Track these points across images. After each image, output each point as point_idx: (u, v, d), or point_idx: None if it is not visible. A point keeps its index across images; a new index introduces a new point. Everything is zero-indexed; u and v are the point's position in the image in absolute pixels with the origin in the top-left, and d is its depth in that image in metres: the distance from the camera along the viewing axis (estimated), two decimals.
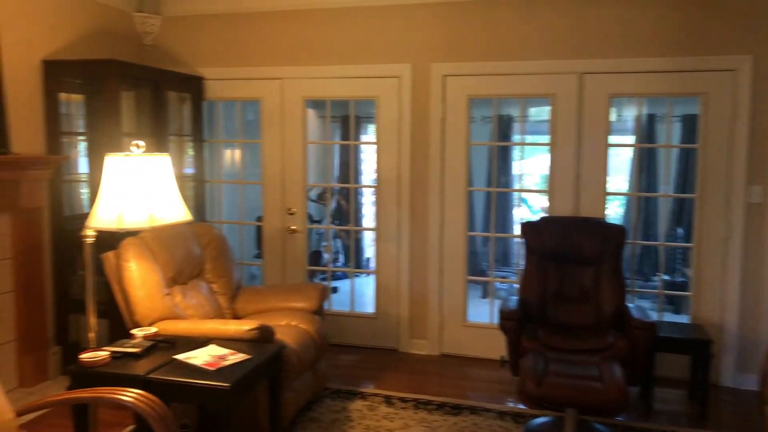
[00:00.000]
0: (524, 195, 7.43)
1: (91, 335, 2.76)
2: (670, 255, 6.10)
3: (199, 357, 2.61)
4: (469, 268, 4.52)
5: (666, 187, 5.60)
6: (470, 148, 4.45)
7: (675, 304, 5.58)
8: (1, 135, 3.51)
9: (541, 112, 5.42)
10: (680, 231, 6.13)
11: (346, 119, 6.34)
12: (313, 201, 6.25)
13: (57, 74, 3.96)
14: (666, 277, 6.01)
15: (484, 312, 4.60)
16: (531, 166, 6.96)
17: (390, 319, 4.61)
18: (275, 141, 4.76)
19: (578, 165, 4.18)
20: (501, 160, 6.70)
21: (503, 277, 6.17)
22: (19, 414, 2.12)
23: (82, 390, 2.21)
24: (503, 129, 6.61)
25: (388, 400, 3.64)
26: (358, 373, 4.13)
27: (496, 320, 4.24)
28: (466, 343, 4.48)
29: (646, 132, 6.35)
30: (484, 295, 5.85)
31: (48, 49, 3.97)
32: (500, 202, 6.79)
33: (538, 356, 3.15)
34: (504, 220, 6.84)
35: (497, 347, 4.13)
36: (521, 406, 3.54)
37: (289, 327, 3.35)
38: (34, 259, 3.80)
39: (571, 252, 3.72)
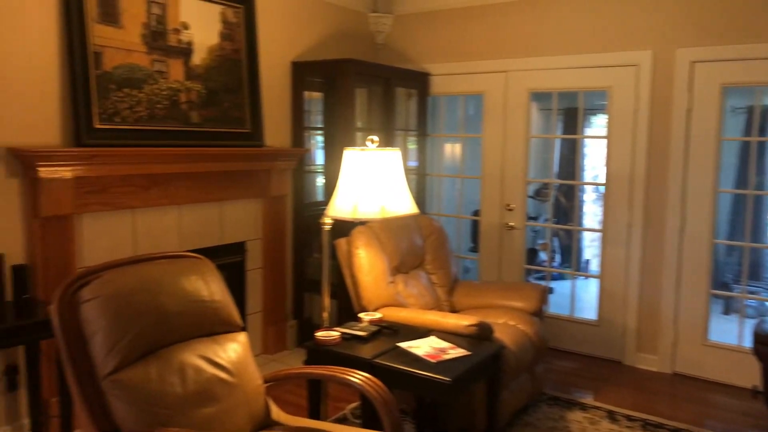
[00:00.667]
0: None
1: (325, 315, 2.98)
2: None
3: (420, 347, 2.66)
4: (711, 280, 3.98)
5: None
6: (721, 143, 3.90)
7: None
8: (257, 130, 3.97)
9: None
10: None
11: (570, 112, 6.00)
12: (530, 197, 6.06)
13: (302, 74, 4.36)
14: None
15: (728, 331, 4.03)
16: None
17: (614, 328, 4.26)
18: (496, 135, 4.69)
19: None
20: (757, 158, 5.78)
21: (752, 293, 5.34)
22: (265, 381, 2.37)
23: (319, 366, 2.39)
24: (762, 121, 5.69)
25: (612, 416, 3.37)
26: (576, 382, 3.90)
27: (745, 342, 3.70)
28: (706, 364, 3.95)
29: None
30: (727, 311, 5.14)
31: (296, 52, 4.39)
32: (748, 207, 5.88)
33: None
34: (756, 227, 5.91)
35: (747, 374, 3.59)
36: None
37: (507, 326, 3.28)
38: (279, 241, 4.25)
39: None
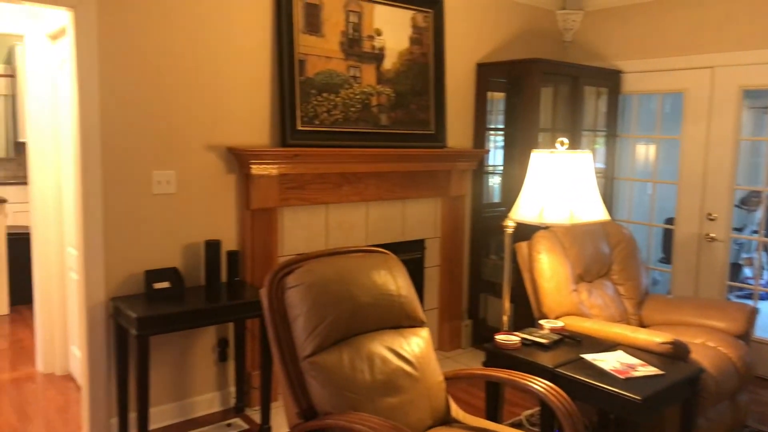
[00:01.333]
0: None
1: (505, 318, 2.97)
2: None
3: (606, 361, 2.54)
4: None
5: None
6: None
7: None
8: (441, 131, 4.06)
9: None
10: None
11: None
12: (735, 206, 5.43)
13: (486, 75, 4.36)
14: None
15: None
16: None
17: None
18: (698, 137, 4.28)
19: None
20: None
21: None
22: (446, 378, 2.42)
23: (499, 370, 2.39)
24: None
25: None
26: None
27: None
28: None
29: None
30: None
31: (481, 53, 4.40)
32: None
33: None
34: None
35: None
36: None
37: (706, 348, 2.99)
38: (457, 241, 4.31)
39: None
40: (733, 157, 4.12)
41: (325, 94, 3.48)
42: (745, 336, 3.19)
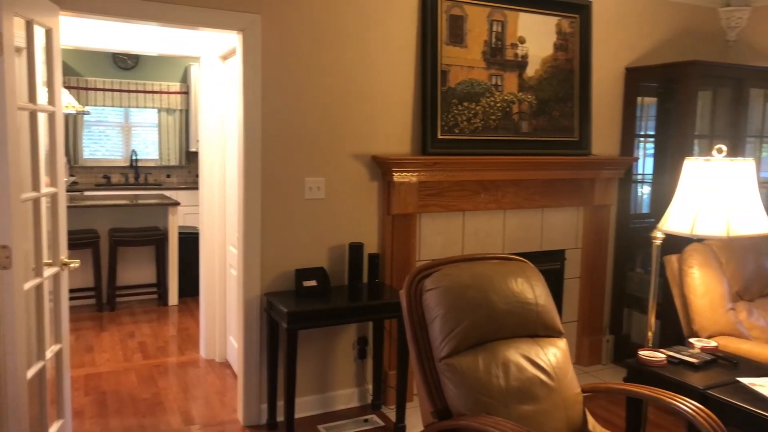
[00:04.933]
0: None
1: (650, 334, 2.83)
2: None
3: (767, 386, 2.33)
4: None
5: None
6: None
7: None
8: (585, 138, 3.95)
9: None
10: None
11: None
12: None
13: (636, 80, 4.16)
14: None
15: None
16: None
17: None
18: None
19: None
20: None
21: None
22: (584, 391, 2.37)
23: (643, 386, 2.29)
24: None
25: None
26: None
27: None
28: None
29: None
30: None
31: (631, 57, 4.21)
32: None
33: None
34: None
35: None
36: None
37: None
38: (599, 252, 4.15)
39: None
40: None
41: (465, 103, 3.54)
42: None
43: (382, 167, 3.42)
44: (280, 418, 3.28)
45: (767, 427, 2.13)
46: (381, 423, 3.34)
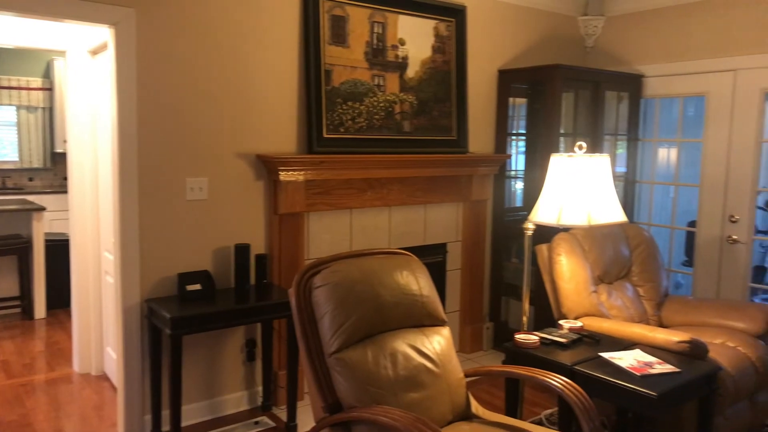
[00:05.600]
0: None
1: (525, 319, 3.04)
2: None
3: (624, 359, 2.59)
4: None
5: None
6: None
7: None
8: (462, 137, 4.15)
9: None
10: None
11: None
12: (760, 208, 5.40)
13: (508, 81, 4.44)
14: None
15: None
16: None
17: None
18: (720, 139, 4.29)
19: None
20: None
21: None
22: (466, 375, 2.51)
23: (519, 367, 2.47)
24: None
25: None
26: None
27: None
28: None
29: None
30: None
31: (502, 60, 4.49)
32: None
33: None
34: None
35: None
36: None
37: (725, 347, 3.02)
38: (478, 244, 4.38)
39: None
40: (756, 160, 4.13)
41: (350, 103, 3.60)
42: (764, 336, 3.21)
43: (267, 166, 3.39)
44: (166, 428, 3.16)
45: (625, 395, 2.38)
46: (272, 424, 3.32)
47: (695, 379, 2.49)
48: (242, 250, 3.24)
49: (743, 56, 4.14)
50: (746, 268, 4.21)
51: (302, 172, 3.38)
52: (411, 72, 3.89)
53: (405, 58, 3.86)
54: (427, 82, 3.97)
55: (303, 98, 3.50)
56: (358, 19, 3.62)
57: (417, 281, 2.50)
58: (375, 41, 3.70)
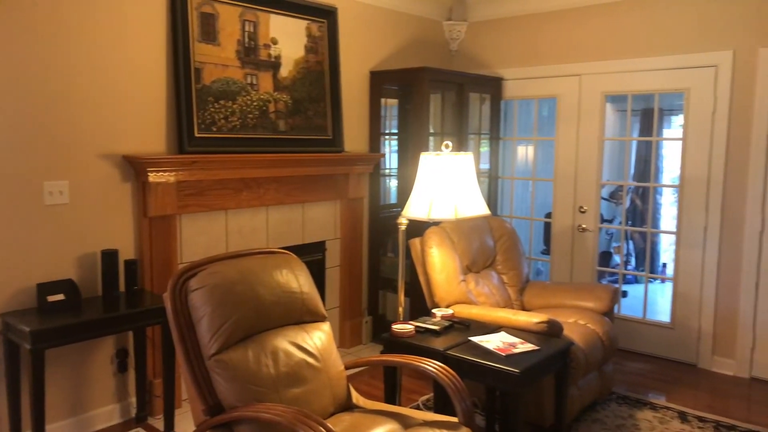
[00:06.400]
0: None
1: (400, 310, 3.18)
2: None
3: (491, 341, 2.81)
4: None
5: None
6: None
7: None
8: (338, 136, 4.23)
9: None
10: None
11: (647, 112, 5.94)
12: (605, 199, 6.03)
13: (379, 82, 4.58)
14: None
15: None
16: None
17: (689, 332, 4.23)
18: (570, 138, 4.74)
19: None
20: None
21: None
22: (346, 367, 2.59)
23: (396, 355, 2.59)
24: None
25: (683, 416, 3.39)
26: (647, 383, 3.91)
27: None
28: None
29: None
30: None
31: (374, 62, 4.62)
32: None
33: None
34: None
35: None
36: None
37: (577, 325, 3.36)
38: (356, 241, 4.49)
39: None
40: (599, 156, 4.60)
41: (222, 101, 3.54)
42: (609, 314, 3.61)
43: (135, 168, 3.25)
44: None
45: (492, 374, 2.59)
46: None
47: (552, 355, 2.75)
48: (109, 256, 3.09)
49: (586, 62, 4.60)
50: (594, 253, 4.69)
51: (173, 173, 3.28)
52: (285, 71, 3.90)
53: (278, 58, 3.86)
54: (301, 81, 4.00)
55: (172, 97, 3.40)
56: (229, 17, 3.57)
57: (297, 279, 2.53)
58: (247, 40, 3.67)
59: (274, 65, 3.84)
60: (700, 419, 3.36)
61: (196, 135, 3.42)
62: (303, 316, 2.51)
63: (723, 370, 4.09)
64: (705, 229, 4.13)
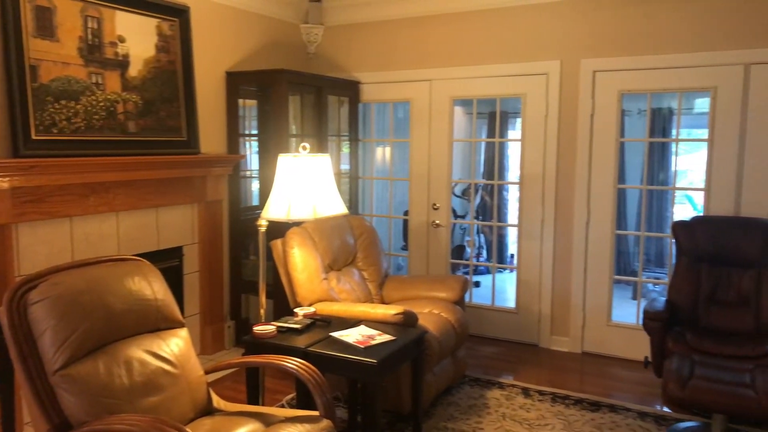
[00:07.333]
0: (689, 193, 6.99)
1: (262, 311, 3.19)
2: None
3: (351, 335, 2.92)
4: (619, 267, 4.45)
5: None
6: (621, 144, 4.37)
7: None
8: (193, 138, 4.13)
9: (706, 104, 5.10)
10: None
11: (494, 115, 6.41)
12: (457, 196, 6.43)
13: (237, 83, 4.53)
14: None
15: (631, 313, 4.49)
16: (695, 162, 6.56)
17: (531, 315, 4.67)
18: (422, 139, 5.01)
19: (741, 162, 3.93)
20: (659, 156, 6.38)
21: (656, 278, 5.89)
22: (206, 372, 2.56)
23: (256, 356, 2.61)
24: (662, 123, 6.29)
25: (526, 392, 3.74)
26: (497, 365, 4.26)
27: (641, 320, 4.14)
28: (610, 342, 4.41)
29: None
30: (635, 296, 5.65)
31: (230, 62, 4.56)
32: (657, 201, 6.47)
33: (684, 359, 3.07)
34: (661, 219, 6.51)
35: (643, 349, 4.02)
36: (666, 410, 3.46)
37: (432, 315, 3.58)
38: (215, 245, 4.41)
39: (728, 254, 3.53)
40: (449, 156, 4.92)
41: (63, 102, 3.32)
42: (461, 302, 3.89)
43: None
44: None
45: (352, 366, 2.70)
46: None
47: (408, 344, 2.92)
48: None
49: (436, 68, 4.89)
50: (447, 247, 5.00)
51: (7, 179, 3.02)
52: (134, 71, 3.74)
53: (126, 56, 3.69)
54: (152, 81, 3.86)
55: (3, 96, 3.13)
56: (68, 12, 3.35)
57: (150, 286, 2.47)
58: (90, 37, 3.47)
59: (122, 64, 3.67)
60: (540, 393, 3.73)
61: (34, 137, 3.18)
62: (158, 323, 2.45)
63: (560, 348, 4.56)
64: (542, 222, 4.57)
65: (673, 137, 6.15)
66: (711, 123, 4.03)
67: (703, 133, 4.25)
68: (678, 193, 6.73)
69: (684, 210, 6.84)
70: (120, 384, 2.19)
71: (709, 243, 3.58)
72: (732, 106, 3.94)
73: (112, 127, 3.60)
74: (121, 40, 3.66)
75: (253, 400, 2.87)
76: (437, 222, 4.98)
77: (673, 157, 5.18)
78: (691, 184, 7.07)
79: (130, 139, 3.70)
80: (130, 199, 3.71)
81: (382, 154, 5.99)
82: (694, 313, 3.52)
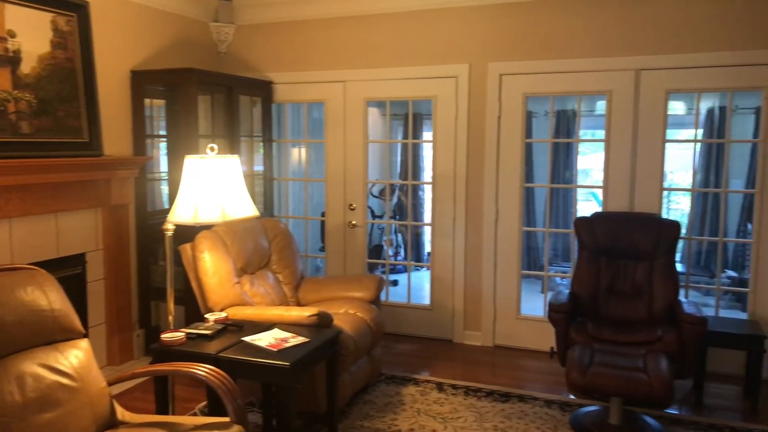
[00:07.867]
0: (594, 190, 7.38)
1: (170, 318, 3.09)
2: (740, 252, 5.94)
3: (263, 339, 2.88)
4: (528, 262, 4.64)
5: (738, 183, 5.48)
6: (526, 145, 4.56)
7: (743, 302, 5.45)
8: (96, 139, 3.93)
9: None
10: (750, 227, 5.95)
11: (409, 117, 6.51)
12: (374, 197, 6.49)
13: (143, 82, 4.36)
14: (733, 274, 5.87)
15: (540, 306, 4.70)
16: (597, 161, 6.93)
17: (445, 311, 4.78)
18: (338, 140, 5.02)
19: (634, 161, 4.21)
20: (564, 156, 6.70)
21: (564, 272, 6.19)
22: (110, 384, 2.45)
23: (163, 364, 2.53)
24: (566, 124, 6.61)
25: (440, 387, 3.83)
26: (412, 362, 4.34)
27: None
28: (519, 335, 4.60)
29: (717, 126, 6.18)
30: (543, 290, 5.91)
31: (136, 60, 4.38)
32: (563, 198, 6.80)
33: (585, 347, 3.25)
34: (567, 216, 6.85)
35: (550, 340, 4.21)
36: (570, 396, 3.64)
37: (347, 315, 3.60)
38: (122, 251, 4.22)
39: (624, 247, 3.77)
40: (364, 157, 4.95)
41: None
42: (377, 301, 3.93)
43: None
44: None
45: (265, 370, 2.66)
46: None
47: (322, 345, 2.92)
48: None
49: (350, 69, 4.91)
50: (364, 247, 5.03)
51: None
52: (27, 68, 3.51)
53: (18, 52, 3.46)
54: (48, 79, 3.64)
55: None
56: None
57: (46, 296, 2.33)
58: None
59: (12, 60, 3.44)
60: (454, 387, 3.83)
61: None
62: (55, 334, 2.33)
63: (473, 342, 4.70)
64: (454, 220, 4.70)
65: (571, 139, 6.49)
66: (607, 125, 4.29)
67: (600, 135, 4.52)
68: (585, 190, 7.11)
69: (591, 207, 7.22)
70: (11, 401, 2.06)
71: (607, 237, 3.81)
72: (625, 108, 4.21)
73: (3, 127, 3.37)
74: (12, 35, 3.43)
75: (162, 410, 2.77)
76: (354, 222, 5.00)
77: (577, 157, 5.48)
78: (595, 183, 7.48)
79: (23, 141, 3.48)
80: (25, 205, 3.49)
81: (298, 155, 5.95)
82: (595, 303, 3.73)
